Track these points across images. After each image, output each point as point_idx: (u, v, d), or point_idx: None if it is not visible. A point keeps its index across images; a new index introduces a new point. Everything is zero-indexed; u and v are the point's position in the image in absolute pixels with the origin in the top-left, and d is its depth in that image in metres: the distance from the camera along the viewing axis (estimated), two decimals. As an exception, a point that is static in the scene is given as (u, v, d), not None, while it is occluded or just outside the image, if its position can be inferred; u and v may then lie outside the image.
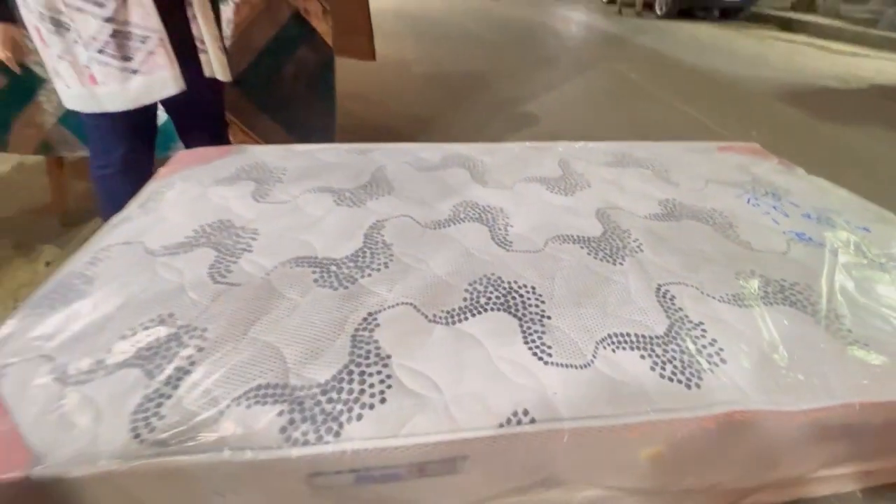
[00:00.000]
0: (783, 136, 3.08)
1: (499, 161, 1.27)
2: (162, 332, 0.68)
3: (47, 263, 1.67)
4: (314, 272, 0.82)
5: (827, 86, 4.45)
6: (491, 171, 1.22)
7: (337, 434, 0.57)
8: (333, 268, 0.83)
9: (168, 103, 1.28)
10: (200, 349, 0.65)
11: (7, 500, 0.52)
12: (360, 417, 0.59)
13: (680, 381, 0.66)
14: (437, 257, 0.87)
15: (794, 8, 8.38)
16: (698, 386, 0.66)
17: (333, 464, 0.58)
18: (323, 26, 1.74)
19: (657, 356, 0.69)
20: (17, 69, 1.28)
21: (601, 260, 0.89)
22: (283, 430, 0.57)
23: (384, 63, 2.89)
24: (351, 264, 0.84)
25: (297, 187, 1.09)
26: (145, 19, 1.10)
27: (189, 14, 1.19)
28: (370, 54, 2.63)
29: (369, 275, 0.82)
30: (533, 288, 0.80)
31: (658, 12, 8.24)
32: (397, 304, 0.75)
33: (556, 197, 1.12)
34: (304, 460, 0.57)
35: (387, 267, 0.84)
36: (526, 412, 0.61)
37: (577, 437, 0.62)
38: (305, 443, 0.57)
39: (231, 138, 1.89)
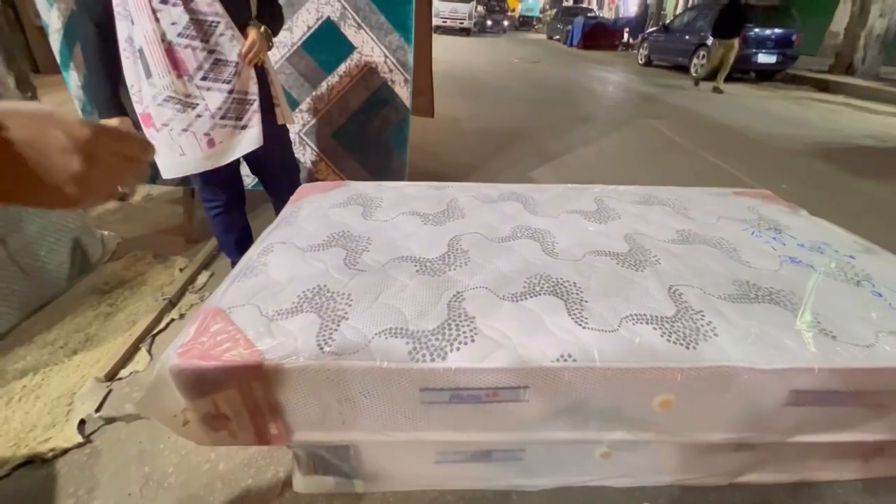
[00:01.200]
0: (814, 189, 3.26)
1: (546, 197, 1.60)
2: (321, 294, 1.02)
3: (181, 269, 2.10)
4: (415, 266, 1.15)
5: (862, 144, 4.59)
6: (540, 205, 1.55)
7: (444, 357, 0.88)
8: (428, 264, 1.17)
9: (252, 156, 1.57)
10: (349, 305, 0.99)
11: (244, 380, 0.85)
12: (458, 349, 0.89)
13: (681, 345, 0.92)
14: (502, 261, 1.19)
15: (831, 70, 8.57)
16: (695, 348, 0.92)
17: (438, 380, 0.88)
18: (404, 92, 2.19)
19: (665, 329, 0.96)
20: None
21: (627, 268, 1.18)
22: (409, 353, 0.88)
23: (437, 119, 3.35)
24: (440, 262, 1.18)
25: (393, 211, 1.46)
26: (252, 88, 1.47)
27: (269, 80, 1.57)
28: (430, 112, 3.11)
29: (454, 269, 1.15)
30: (574, 283, 1.10)
31: (694, 73, 8.60)
32: (477, 287, 1.07)
33: (592, 224, 1.42)
34: (421, 373, 0.87)
35: (466, 265, 1.17)
36: (570, 355, 0.89)
37: (605, 376, 0.89)
38: (423, 361, 0.87)
39: (323, 178, 2.34)
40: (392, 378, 0.88)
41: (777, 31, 8.06)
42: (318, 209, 1.46)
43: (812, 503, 1.12)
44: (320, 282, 1.06)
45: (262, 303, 1.00)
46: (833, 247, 1.33)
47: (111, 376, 1.49)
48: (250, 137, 1.50)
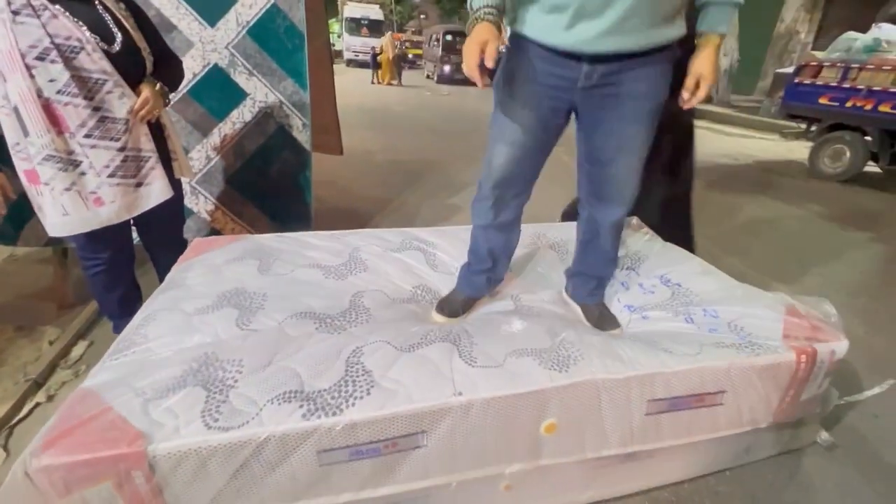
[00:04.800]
0: (683, 206, 3.75)
1: (445, 244, 1.67)
2: (209, 365, 0.98)
3: (51, 342, 1.86)
4: (315, 323, 1.15)
5: (720, 162, 5.38)
6: (440, 253, 1.63)
7: (339, 413, 0.88)
8: (329, 321, 1.17)
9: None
10: (240, 372, 0.96)
11: (121, 471, 0.79)
12: (353, 404, 0.90)
13: (556, 369, 1.02)
14: (402, 318, 1.23)
15: (694, 98, 9.96)
16: (567, 370, 1.02)
17: (335, 439, 0.88)
18: (303, 136, 2.19)
19: (544, 359, 1.05)
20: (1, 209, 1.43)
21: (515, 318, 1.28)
22: (304, 416, 0.88)
23: (349, 153, 3.36)
24: (342, 318, 1.19)
25: (292, 264, 1.44)
26: (146, 145, 1.43)
27: (165, 135, 1.54)
28: (338, 150, 3.12)
29: (356, 326, 1.17)
30: (466, 331, 1.17)
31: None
32: (376, 342, 1.09)
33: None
34: (317, 434, 0.87)
35: (367, 322, 1.19)
36: (460, 392, 0.95)
37: (493, 406, 0.95)
38: (318, 419, 0.87)
39: (221, 227, 2.24)
40: (287, 444, 0.87)
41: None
42: (211, 267, 1.40)
43: (692, 497, 1.26)
44: (208, 350, 1.02)
45: (141, 381, 0.93)
46: (670, 276, 1.54)
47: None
48: (151, 193, 1.45)
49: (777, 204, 3.89)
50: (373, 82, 12.85)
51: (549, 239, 1.79)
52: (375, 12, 18.17)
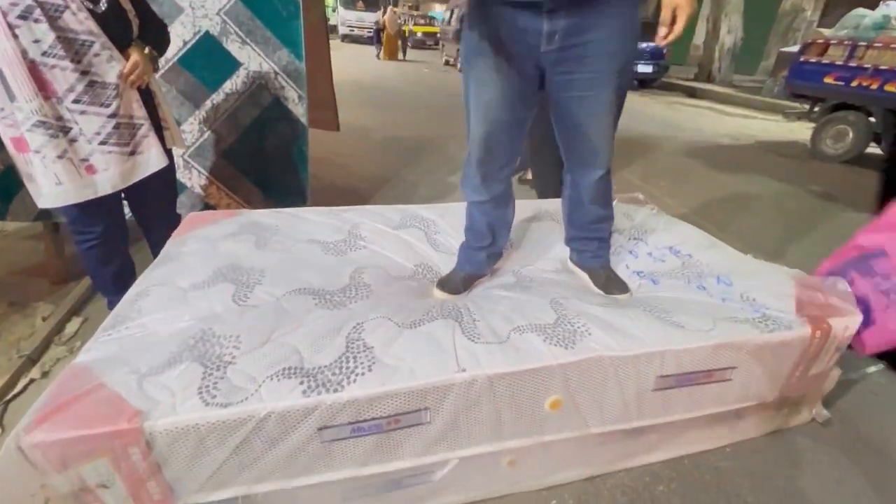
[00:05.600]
0: (685, 184, 3.71)
1: (446, 224, 1.62)
2: (205, 340, 0.95)
3: (44, 318, 1.83)
4: (315, 299, 1.12)
5: (721, 143, 5.32)
6: (441, 234, 1.58)
7: (340, 390, 0.86)
8: (328, 297, 1.14)
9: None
10: (237, 347, 0.93)
11: (118, 447, 0.77)
12: (354, 380, 0.88)
13: (561, 346, 1.00)
14: (403, 294, 1.20)
15: (696, 78, 9.83)
16: (573, 346, 1.00)
17: (336, 416, 0.86)
18: (299, 109, 2.12)
19: (548, 334, 1.03)
20: None
21: (517, 292, 1.25)
22: (304, 392, 0.85)
23: (346, 130, 3.29)
24: (341, 294, 1.16)
25: (291, 239, 1.40)
26: (138, 111, 1.39)
27: (155, 102, 1.49)
28: (335, 126, 3.04)
29: (356, 302, 1.13)
30: (468, 308, 1.14)
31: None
32: (377, 318, 1.06)
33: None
34: (317, 411, 0.84)
35: (367, 298, 1.16)
36: (463, 369, 0.93)
37: (497, 383, 0.93)
38: (318, 396, 0.85)
39: (215, 203, 2.19)
40: (287, 421, 0.85)
41: (650, 44, 9.06)
42: (206, 242, 1.36)
43: (692, 472, 1.26)
44: (204, 326, 0.99)
45: (135, 357, 0.91)
46: (679, 248, 1.52)
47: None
48: (148, 161, 1.42)
49: (776, 183, 3.86)
50: (378, 57, 12.50)
51: (549, 212, 1.76)
52: (372, -16, 17.55)
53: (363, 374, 0.90)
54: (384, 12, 13.18)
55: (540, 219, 1.71)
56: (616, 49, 1.06)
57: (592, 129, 1.16)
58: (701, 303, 1.21)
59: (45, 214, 1.98)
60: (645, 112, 7.10)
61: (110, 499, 0.84)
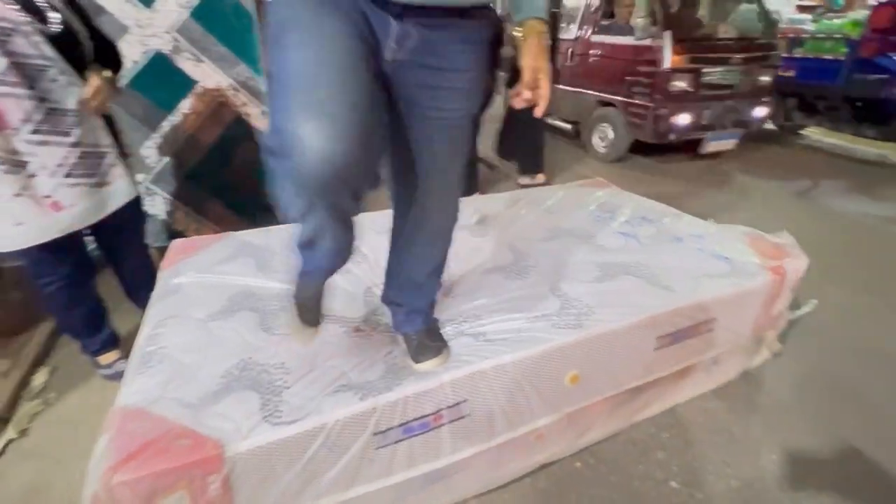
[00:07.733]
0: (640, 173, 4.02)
1: None
2: (251, 369, 0.97)
3: (3, 374, 1.66)
4: (341, 327, 1.13)
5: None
6: None
7: (390, 391, 0.92)
8: (351, 323, 1.17)
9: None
10: (287, 373, 0.96)
11: (196, 476, 0.78)
12: (399, 384, 0.94)
13: (571, 327, 1.12)
14: None
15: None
16: (581, 325, 1.12)
17: (388, 418, 0.92)
18: (262, 124, 2.08)
19: (555, 321, 1.14)
20: None
21: (513, 278, 1.36)
22: (360, 398, 0.90)
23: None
24: (364, 324, 1.18)
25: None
26: (104, 139, 1.32)
27: (117, 128, 1.42)
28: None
29: (377, 331, 1.17)
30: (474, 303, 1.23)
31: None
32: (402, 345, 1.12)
33: (474, 238, 1.59)
34: (373, 414, 0.90)
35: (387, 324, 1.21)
36: (486, 358, 1.02)
37: (519, 366, 1.04)
38: (372, 398, 0.90)
39: (183, 228, 2.10)
40: (349, 428, 0.89)
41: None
42: (202, 270, 1.34)
43: (686, 417, 1.44)
44: (243, 356, 1.00)
45: (181, 391, 0.91)
46: (650, 217, 1.71)
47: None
48: (117, 192, 1.36)
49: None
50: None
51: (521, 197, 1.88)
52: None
53: (407, 378, 0.97)
54: None
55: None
56: (471, 87, 0.89)
57: (436, 193, 0.96)
58: (682, 261, 1.40)
59: (-13, 261, 1.81)
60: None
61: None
